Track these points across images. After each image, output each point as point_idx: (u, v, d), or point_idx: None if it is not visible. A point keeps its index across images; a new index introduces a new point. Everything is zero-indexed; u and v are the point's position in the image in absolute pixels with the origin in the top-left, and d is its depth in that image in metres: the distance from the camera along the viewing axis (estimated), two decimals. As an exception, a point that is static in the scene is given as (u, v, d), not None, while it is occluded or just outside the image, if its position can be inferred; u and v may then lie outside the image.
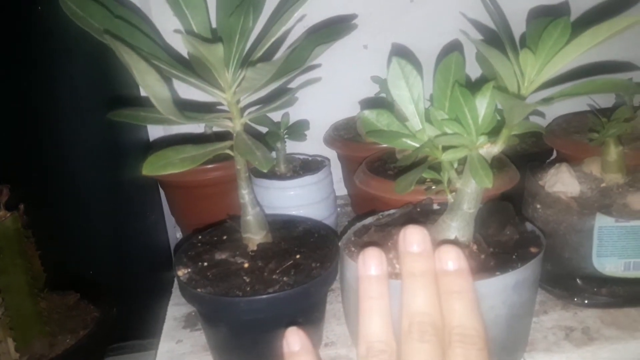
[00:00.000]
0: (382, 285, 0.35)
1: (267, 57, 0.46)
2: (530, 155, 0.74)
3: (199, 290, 0.45)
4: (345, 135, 0.79)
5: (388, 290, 0.35)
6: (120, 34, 0.41)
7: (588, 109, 0.72)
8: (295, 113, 0.70)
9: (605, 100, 0.71)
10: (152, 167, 0.41)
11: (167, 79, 0.38)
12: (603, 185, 0.56)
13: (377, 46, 0.83)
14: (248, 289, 0.45)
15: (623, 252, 0.52)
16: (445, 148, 0.43)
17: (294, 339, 0.35)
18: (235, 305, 0.44)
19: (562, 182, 0.56)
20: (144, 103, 0.43)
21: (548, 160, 0.76)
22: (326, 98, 0.81)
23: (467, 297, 0.34)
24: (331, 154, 0.79)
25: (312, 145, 0.78)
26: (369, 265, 0.36)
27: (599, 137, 0.55)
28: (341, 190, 0.83)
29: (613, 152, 0.55)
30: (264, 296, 0.44)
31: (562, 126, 0.73)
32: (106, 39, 0.36)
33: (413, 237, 0.36)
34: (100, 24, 0.41)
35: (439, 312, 0.34)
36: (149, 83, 0.36)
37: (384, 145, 0.67)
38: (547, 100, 0.37)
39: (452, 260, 0.35)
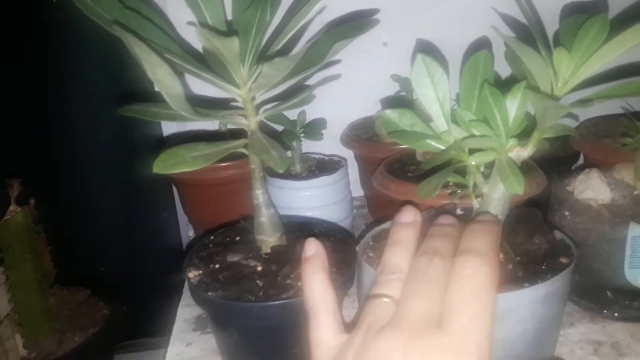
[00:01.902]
0: (411, 232, 0.36)
1: (284, 52, 0.44)
2: (556, 159, 0.71)
3: (209, 293, 0.43)
4: (363, 135, 0.76)
5: (416, 239, 0.36)
6: (131, 25, 0.39)
7: (618, 111, 0.69)
8: (312, 111, 0.68)
9: (638, 103, 0.68)
10: (164, 165, 0.39)
11: (179, 74, 0.36)
12: (636, 192, 0.53)
13: (397, 43, 0.80)
14: (261, 293, 0.43)
15: (657, 264, 0.49)
16: (471, 151, 0.41)
17: (310, 247, 0.38)
18: (247, 311, 0.42)
19: (592, 188, 0.53)
20: (157, 99, 0.41)
21: (575, 165, 0.73)
22: (344, 96, 0.78)
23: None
24: (348, 153, 0.77)
25: (329, 144, 0.76)
26: (403, 214, 0.38)
27: (634, 142, 0.52)
28: (357, 191, 0.81)
29: (647, 158, 0.52)
30: (278, 302, 0.42)
31: (591, 130, 0.70)
32: (115, 30, 0.34)
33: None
34: (110, 15, 0.39)
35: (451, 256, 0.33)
36: (159, 77, 0.34)
37: (403, 146, 0.64)
38: (585, 102, 0.35)
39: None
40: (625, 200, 0.53)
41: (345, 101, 0.80)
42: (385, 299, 0.32)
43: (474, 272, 0.31)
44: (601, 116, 0.74)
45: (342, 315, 0.36)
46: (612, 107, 0.72)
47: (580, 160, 0.73)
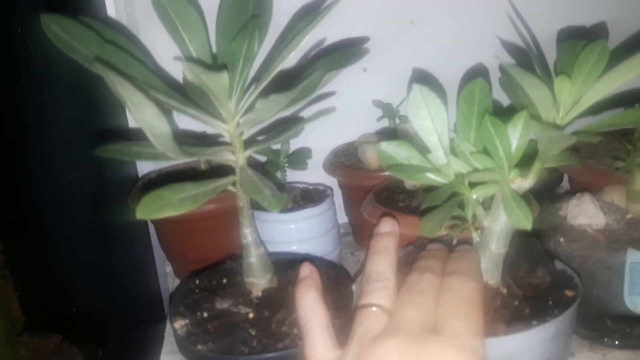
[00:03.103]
0: (391, 241, 0.39)
1: (270, 83, 0.42)
2: (540, 181, 0.71)
3: (199, 347, 0.40)
4: (346, 162, 0.74)
5: (395, 248, 0.39)
6: (112, 60, 0.37)
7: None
8: (293, 139, 0.65)
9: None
10: (148, 210, 0.36)
11: (166, 112, 0.34)
12: (629, 216, 0.53)
13: (376, 69, 0.79)
14: (255, 344, 0.40)
15: (657, 289, 0.48)
16: (472, 183, 0.39)
17: (304, 270, 0.41)
18: (242, 364, 0.39)
19: (585, 213, 0.52)
20: (134, 135, 0.39)
21: (558, 187, 0.73)
22: (325, 123, 0.75)
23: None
24: (330, 180, 0.75)
25: (311, 172, 0.73)
26: (382, 225, 0.41)
27: (626, 166, 0.51)
28: (341, 218, 0.78)
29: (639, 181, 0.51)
30: (274, 353, 0.39)
31: (574, 151, 0.70)
32: (96, 68, 0.31)
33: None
34: (88, 50, 0.36)
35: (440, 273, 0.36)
36: (146, 117, 0.32)
37: (388, 173, 0.63)
38: (590, 132, 0.34)
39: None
40: (619, 225, 0.52)
41: (326, 128, 0.77)
42: (374, 308, 0.34)
43: (461, 286, 0.34)
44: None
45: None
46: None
47: (564, 182, 0.73)
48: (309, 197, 0.68)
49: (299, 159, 0.64)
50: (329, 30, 0.73)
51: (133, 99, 0.31)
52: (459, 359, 0.30)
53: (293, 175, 0.72)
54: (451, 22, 0.77)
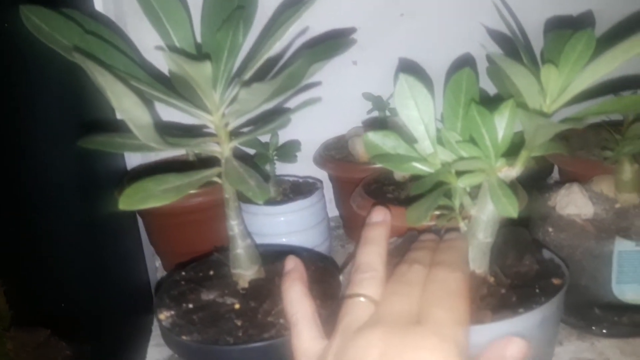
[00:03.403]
0: (382, 231, 0.39)
1: (258, 74, 0.41)
2: (530, 172, 0.71)
3: (184, 337, 0.40)
4: (337, 155, 0.74)
5: (386, 238, 0.39)
6: (93, 51, 0.36)
7: (591, 122, 0.69)
8: (282, 132, 0.65)
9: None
10: (131, 201, 0.36)
11: (148, 102, 0.33)
12: (618, 206, 0.53)
13: (367, 61, 0.79)
14: (240, 334, 0.40)
15: (645, 278, 0.49)
16: (459, 172, 0.39)
17: (289, 263, 0.41)
18: (226, 355, 0.39)
19: (574, 203, 0.52)
20: (121, 127, 0.38)
21: (549, 178, 0.73)
22: (315, 116, 0.75)
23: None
24: (321, 173, 0.75)
25: (302, 165, 0.73)
26: (374, 215, 0.40)
27: (614, 155, 0.51)
28: (332, 211, 0.78)
29: (628, 170, 0.51)
30: (260, 343, 0.39)
31: (564, 142, 0.70)
32: (76, 58, 0.31)
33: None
34: (69, 41, 0.36)
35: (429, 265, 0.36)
36: (126, 107, 0.31)
37: (378, 166, 0.63)
38: (578, 120, 0.34)
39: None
40: (608, 215, 0.52)
41: (317, 121, 0.77)
42: (362, 299, 0.34)
43: (446, 277, 0.34)
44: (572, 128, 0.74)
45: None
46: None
47: (555, 173, 0.73)
48: (299, 190, 0.67)
49: (288, 151, 0.64)
50: (319, 23, 0.73)
51: (113, 88, 0.30)
52: (441, 348, 0.30)
53: (284, 169, 0.72)
54: (441, 14, 0.77)
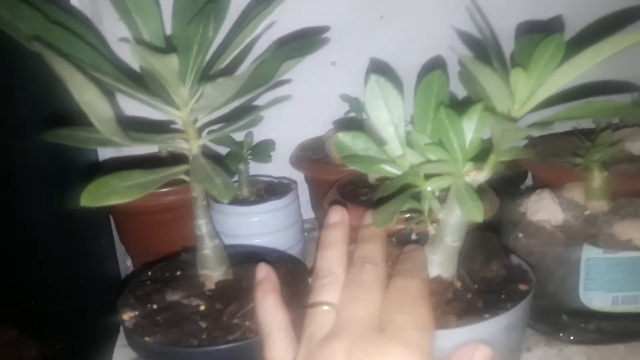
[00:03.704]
0: (339, 232, 0.38)
1: (229, 71, 0.41)
2: (505, 178, 0.71)
3: (146, 338, 0.39)
4: (314, 156, 0.74)
5: (345, 238, 0.38)
6: (56, 42, 0.35)
7: (564, 129, 0.69)
8: (259, 132, 0.65)
9: (585, 121, 0.69)
10: (93, 197, 0.35)
11: (110, 94, 0.32)
12: (587, 212, 0.53)
13: (346, 63, 0.79)
14: (204, 336, 0.39)
15: (611, 285, 0.49)
16: (427, 175, 0.39)
17: (260, 272, 0.40)
18: (189, 357, 0.38)
19: (545, 209, 0.53)
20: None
21: (523, 184, 0.73)
22: (292, 116, 0.76)
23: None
24: (298, 175, 0.74)
25: (278, 166, 0.73)
26: (331, 216, 0.40)
27: (584, 162, 0.52)
28: (308, 213, 0.78)
29: (598, 177, 0.52)
30: (223, 346, 0.38)
31: (538, 149, 0.70)
32: (35, 47, 0.30)
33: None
34: (31, 30, 0.35)
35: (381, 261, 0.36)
36: (87, 99, 0.31)
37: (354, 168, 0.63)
38: (544, 125, 0.34)
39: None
40: (577, 221, 0.52)
41: (294, 121, 0.77)
42: (324, 307, 0.33)
43: (406, 284, 0.34)
44: (547, 135, 0.75)
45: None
46: (558, 125, 0.73)
47: (529, 179, 0.74)
48: (273, 190, 0.67)
49: (263, 150, 0.63)
50: (298, 24, 0.72)
51: (73, 79, 0.29)
52: (405, 354, 0.29)
53: (261, 169, 0.72)
54: (420, 17, 0.77)
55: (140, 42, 0.40)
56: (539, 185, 0.65)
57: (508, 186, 0.69)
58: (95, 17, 0.69)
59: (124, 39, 0.36)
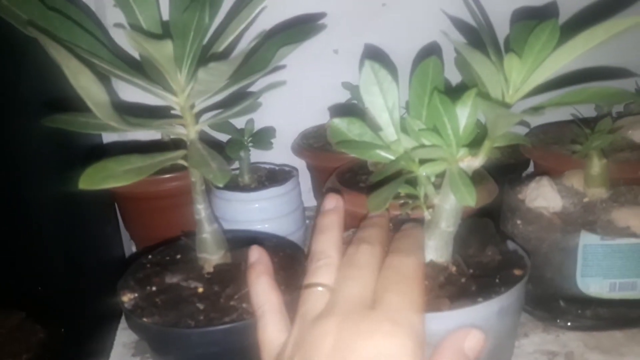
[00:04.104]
0: (334, 218, 0.39)
1: (226, 57, 0.41)
2: (506, 166, 0.71)
3: (145, 319, 0.40)
4: (315, 144, 0.74)
5: (339, 224, 0.39)
6: (53, 28, 0.36)
7: (567, 118, 0.69)
8: (262, 119, 0.65)
9: (587, 109, 0.69)
10: (91, 180, 0.36)
11: (106, 80, 0.33)
12: (586, 200, 0.53)
13: (348, 50, 0.79)
14: (201, 318, 0.40)
15: (608, 272, 0.49)
16: (422, 161, 0.39)
17: (253, 253, 0.40)
18: (185, 338, 0.39)
19: (543, 196, 0.53)
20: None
21: (525, 172, 0.73)
22: (295, 104, 0.76)
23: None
24: (299, 163, 0.75)
25: (280, 153, 0.73)
26: (326, 203, 0.40)
27: (583, 149, 0.52)
28: (310, 201, 0.78)
29: (597, 165, 0.52)
30: (220, 327, 0.39)
31: (540, 137, 0.70)
32: (31, 32, 0.31)
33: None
34: (29, 15, 0.35)
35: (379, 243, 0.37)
36: (82, 84, 0.31)
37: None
38: (536, 110, 0.34)
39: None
40: (576, 208, 0.52)
41: (297, 109, 0.77)
42: (319, 288, 0.34)
43: (401, 263, 0.34)
44: (550, 123, 0.74)
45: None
46: (560, 114, 0.73)
47: (531, 168, 0.74)
48: (275, 177, 0.67)
49: (263, 138, 0.63)
50: (299, 10, 0.72)
51: (68, 64, 0.30)
52: (394, 332, 0.30)
53: (263, 158, 0.72)
54: (423, 5, 0.76)
55: (135, 28, 0.40)
56: (541, 172, 0.65)
57: (510, 174, 0.69)
58: (99, 6, 0.69)
59: (118, 25, 0.37)
